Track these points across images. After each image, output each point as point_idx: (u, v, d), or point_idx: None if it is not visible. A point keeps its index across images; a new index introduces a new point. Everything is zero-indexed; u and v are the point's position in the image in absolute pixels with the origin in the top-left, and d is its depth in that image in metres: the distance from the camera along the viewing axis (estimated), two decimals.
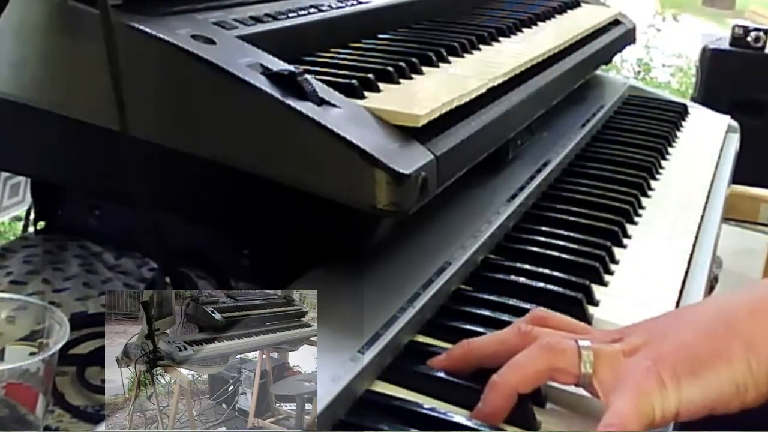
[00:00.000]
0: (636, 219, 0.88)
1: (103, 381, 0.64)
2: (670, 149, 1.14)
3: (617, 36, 1.27)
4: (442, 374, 0.56)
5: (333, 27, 0.79)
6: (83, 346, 0.67)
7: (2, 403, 0.51)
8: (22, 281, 0.77)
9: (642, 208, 0.92)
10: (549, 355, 0.52)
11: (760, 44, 2.62)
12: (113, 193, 0.70)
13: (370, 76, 0.67)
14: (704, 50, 2.67)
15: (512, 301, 0.66)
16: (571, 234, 0.79)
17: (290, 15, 0.74)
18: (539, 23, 1.09)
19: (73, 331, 0.57)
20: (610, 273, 0.75)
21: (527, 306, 0.65)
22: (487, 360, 0.55)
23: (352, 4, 0.84)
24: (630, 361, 0.51)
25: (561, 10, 1.21)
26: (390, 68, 0.70)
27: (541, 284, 0.69)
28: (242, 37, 0.65)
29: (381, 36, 0.85)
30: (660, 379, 0.49)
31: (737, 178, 1.22)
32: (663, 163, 1.08)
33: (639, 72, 5.12)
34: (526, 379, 0.52)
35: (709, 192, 1.02)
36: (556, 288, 0.69)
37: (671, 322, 0.55)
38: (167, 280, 0.64)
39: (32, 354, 0.55)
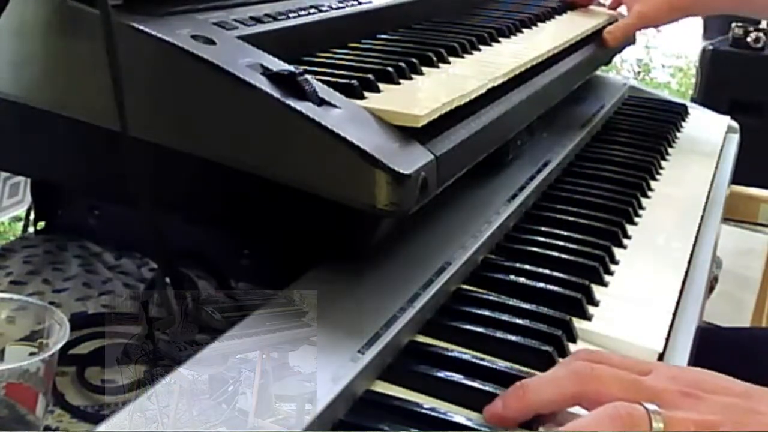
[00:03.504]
0: (636, 219, 0.88)
1: (103, 381, 0.64)
2: (670, 150, 1.14)
3: None
4: (442, 374, 0.56)
5: (333, 27, 0.79)
6: (83, 346, 0.67)
7: (2, 403, 0.51)
8: (22, 281, 0.77)
9: (642, 208, 0.92)
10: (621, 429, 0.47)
11: (760, 45, 2.62)
12: (113, 193, 0.70)
13: (370, 76, 0.67)
14: (704, 51, 2.67)
15: (512, 301, 0.66)
16: (571, 234, 0.79)
17: (290, 15, 0.74)
18: (539, 24, 1.09)
19: (73, 331, 0.57)
20: (610, 273, 0.75)
21: (527, 306, 0.65)
22: (545, 408, 0.52)
23: (352, 5, 0.84)
24: None
25: (560, 11, 1.21)
26: (390, 68, 0.70)
27: (541, 284, 0.69)
28: (242, 38, 0.65)
29: (381, 36, 0.85)
30: None
31: (737, 178, 1.22)
32: (663, 163, 1.08)
33: (639, 72, 5.12)
34: None
35: (709, 192, 1.02)
36: (556, 288, 0.69)
37: (748, 402, 0.51)
38: (167, 280, 0.64)
39: (32, 354, 0.55)
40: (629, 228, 0.85)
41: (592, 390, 0.51)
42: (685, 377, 0.53)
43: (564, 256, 0.75)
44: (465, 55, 0.84)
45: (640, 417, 0.48)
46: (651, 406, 0.48)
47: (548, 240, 0.78)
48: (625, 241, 0.82)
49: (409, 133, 0.61)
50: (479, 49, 0.87)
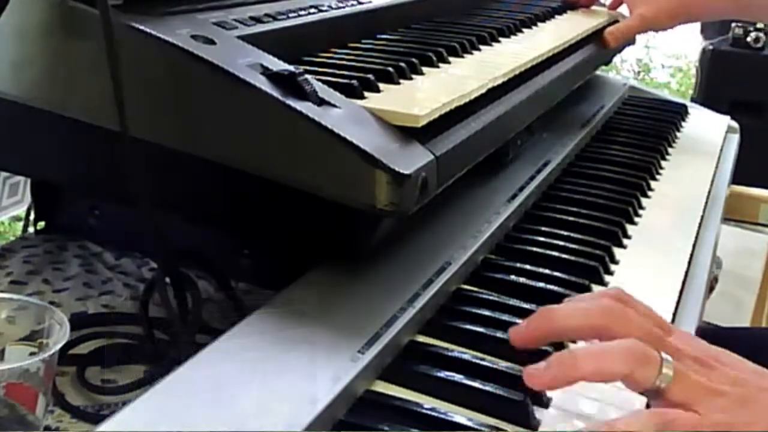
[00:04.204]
0: (636, 219, 0.88)
1: (103, 381, 0.64)
2: (670, 149, 1.14)
3: None
4: (442, 374, 0.56)
5: (333, 27, 0.79)
6: (83, 346, 0.67)
7: (2, 403, 0.51)
8: (22, 281, 0.77)
9: (642, 208, 0.92)
10: (634, 364, 0.49)
11: (759, 45, 2.62)
12: (113, 193, 0.70)
13: (370, 76, 0.67)
14: (704, 50, 2.67)
15: (512, 301, 0.66)
16: (571, 234, 0.80)
17: (290, 15, 0.74)
18: (539, 24, 1.09)
19: (73, 331, 0.57)
20: (610, 273, 0.75)
21: (527, 306, 0.65)
22: (569, 335, 0.53)
23: (352, 4, 0.84)
24: (707, 405, 0.49)
25: (561, 11, 1.21)
26: (390, 68, 0.70)
27: (542, 284, 0.69)
28: (242, 38, 0.65)
29: (381, 36, 0.85)
30: None
31: (737, 178, 1.22)
32: (663, 163, 1.08)
33: (639, 72, 5.12)
34: (602, 375, 0.49)
35: (709, 192, 1.02)
36: (556, 288, 0.69)
37: (758, 380, 0.52)
38: (167, 280, 0.64)
39: (32, 354, 0.55)
40: (629, 228, 0.85)
41: (617, 329, 0.52)
42: (702, 347, 0.54)
43: (564, 256, 0.75)
44: (465, 55, 0.84)
45: (654, 358, 0.49)
46: (666, 356, 0.50)
47: (548, 240, 0.78)
48: (625, 241, 0.82)
49: (409, 133, 0.61)
50: (479, 49, 0.87)
